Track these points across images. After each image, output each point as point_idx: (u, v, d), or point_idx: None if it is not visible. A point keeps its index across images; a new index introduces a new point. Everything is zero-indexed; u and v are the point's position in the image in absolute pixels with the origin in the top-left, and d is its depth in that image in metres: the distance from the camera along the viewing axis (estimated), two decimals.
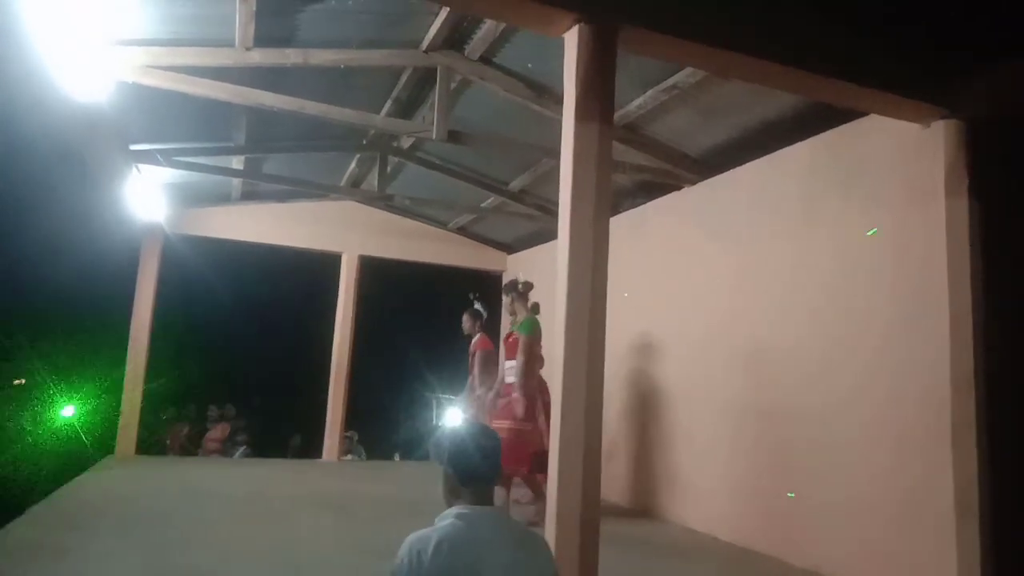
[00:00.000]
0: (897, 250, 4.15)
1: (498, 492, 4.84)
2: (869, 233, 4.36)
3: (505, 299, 5.95)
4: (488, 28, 4.82)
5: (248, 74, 5.01)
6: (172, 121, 6.10)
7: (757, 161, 5.34)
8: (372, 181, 7.87)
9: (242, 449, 10.65)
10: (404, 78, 5.68)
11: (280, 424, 13.49)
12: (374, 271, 9.47)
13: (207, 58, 4.75)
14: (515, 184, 7.66)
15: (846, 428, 4.35)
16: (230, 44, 4.68)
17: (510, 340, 5.68)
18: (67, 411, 12.48)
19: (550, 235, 7.79)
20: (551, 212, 7.58)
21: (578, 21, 3.08)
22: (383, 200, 8.31)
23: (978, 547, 3.53)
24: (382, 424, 17.15)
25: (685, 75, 4.74)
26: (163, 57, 4.63)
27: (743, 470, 5.17)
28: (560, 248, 3.06)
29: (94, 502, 5.46)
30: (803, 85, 3.77)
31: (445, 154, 7.38)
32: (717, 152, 5.80)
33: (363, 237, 9.00)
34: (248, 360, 17.11)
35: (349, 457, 10.24)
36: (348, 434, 10.08)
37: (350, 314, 8.86)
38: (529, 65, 5.21)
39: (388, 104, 6.07)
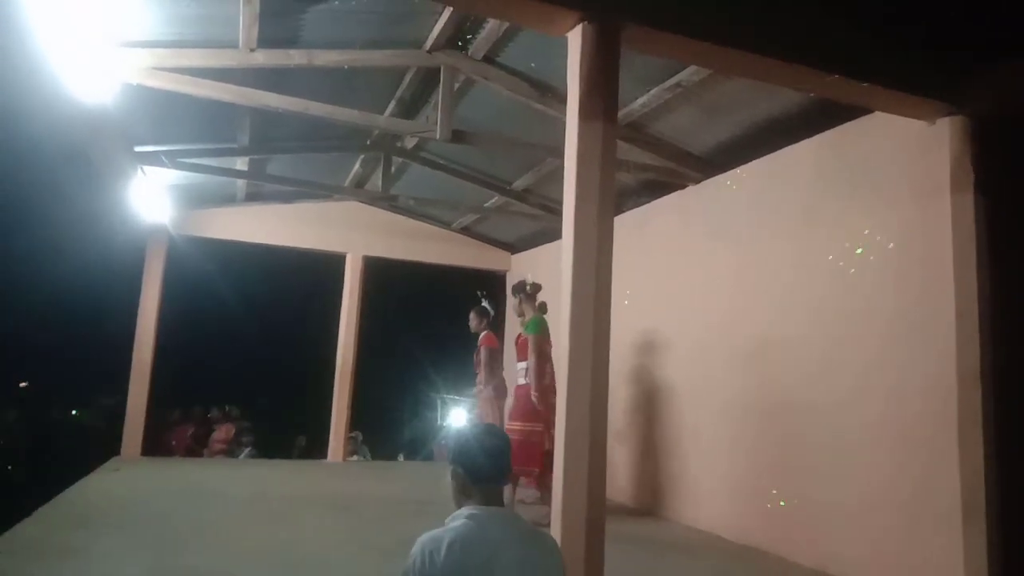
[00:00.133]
0: (902, 247, 4.14)
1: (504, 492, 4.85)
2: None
3: (513, 300, 5.97)
4: (491, 28, 4.81)
5: (252, 75, 5.01)
6: (176, 123, 6.11)
7: (761, 159, 5.33)
8: (376, 181, 7.87)
9: (247, 450, 10.66)
10: (408, 78, 5.68)
11: (285, 425, 13.52)
12: (378, 271, 9.47)
13: (211, 59, 4.76)
14: (519, 184, 7.65)
15: (850, 426, 4.34)
16: (234, 45, 4.68)
17: (520, 341, 5.72)
18: (72, 412, 12.54)
19: (554, 234, 7.78)
20: (555, 211, 7.58)
21: (581, 20, 3.07)
22: (387, 200, 8.32)
23: (984, 544, 3.52)
24: (387, 424, 17.18)
25: (689, 73, 4.73)
26: (167, 59, 4.64)
27: (747, 469, 5.16)
28: (564, 247, 3.06)
29: (100, 503, 5.47)
30: (807, 82, 3.76)
31: (449, 154, 7.38)
32: (721, 150, 5.79)
33: (367, 237, 9.01)
34: (253, 361, 17.16)
35: (354, 458, 10.25)
36: (353, 434, 10.09)
37: (354, 315, 8.88)
38: (532, 64, 5.21)
39: (392, 104, 6.07)
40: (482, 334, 6.42)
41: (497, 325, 7.22)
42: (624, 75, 3.19)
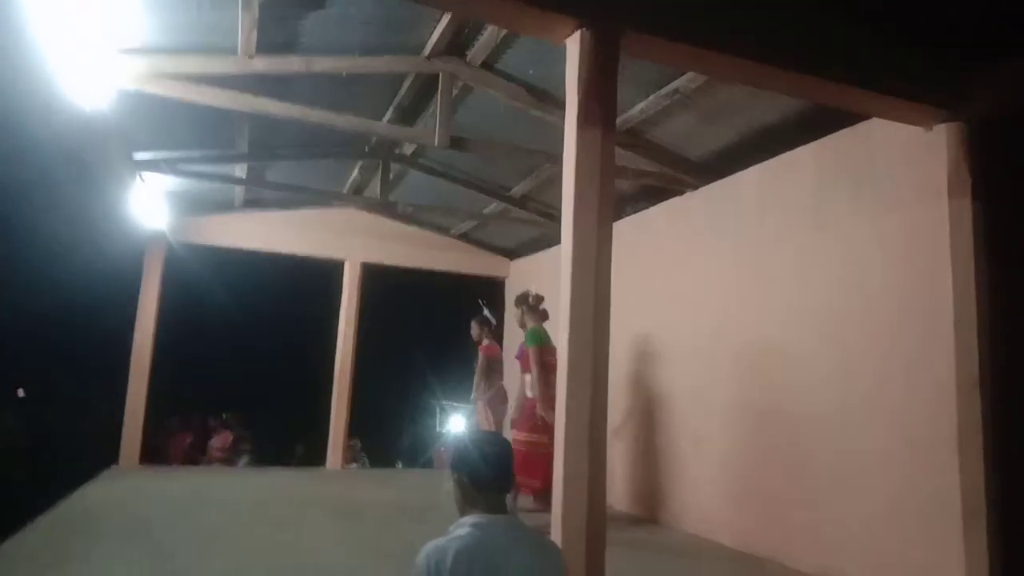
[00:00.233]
0: (905, 253, 4.13)
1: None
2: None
3: (516, 311, 5.95)
4: (490, 34, 4.82)
5: (251, 82, 5.02)
6: (175, 129, 6.11)
7: (760, 165, 5.34)
8: (374, 188, 7.88)
9: (246, 458, 10.64)
10: (406, 85, 5.69)
11: (284, 432, 13.47)
12: (377, 278, 9.46)
13: (210, 66, 4.76)
14: (517, 190, 7.66)
15: (854, 432, 4.32)
16: (233, 52, 4.69)
17: (521, 355, 5.73)
18: (69, 420, 12.50)
19: (553, 241, 7.79)
20: (554, 218, 7.58)
21: (580, 27, 3.08)
22: (385, 207, 8.33)
23: (986, 550, 3.51)
24: (386, 432, 17.13)
25: (687, 80, 4.74)
26: (166, 65, 4.64)
27: (747, 475, 5.14)
28: (563, 254, 3.06)
29: (99, 511, 5.45)
30: (805, 89, 3.78)
31: (447, 160, 7.39)
32: (719, 156, 5.80)
33: (366, 244, 9.00)
34: (251, 368, 17.12)
35: (353, 465, 10.23)
36: (352, 442, 10.08)
37: (353, 321, 8.87)
38: (531, 71, 5.22)
39: (390, 111, 6.08)
40: (483, 343, 6.41)
41: (498, 334, 7.21)
42: (622, 82, 3.19)
